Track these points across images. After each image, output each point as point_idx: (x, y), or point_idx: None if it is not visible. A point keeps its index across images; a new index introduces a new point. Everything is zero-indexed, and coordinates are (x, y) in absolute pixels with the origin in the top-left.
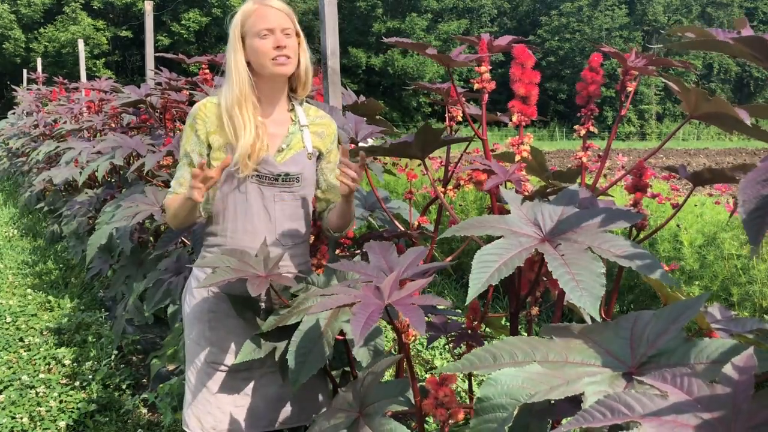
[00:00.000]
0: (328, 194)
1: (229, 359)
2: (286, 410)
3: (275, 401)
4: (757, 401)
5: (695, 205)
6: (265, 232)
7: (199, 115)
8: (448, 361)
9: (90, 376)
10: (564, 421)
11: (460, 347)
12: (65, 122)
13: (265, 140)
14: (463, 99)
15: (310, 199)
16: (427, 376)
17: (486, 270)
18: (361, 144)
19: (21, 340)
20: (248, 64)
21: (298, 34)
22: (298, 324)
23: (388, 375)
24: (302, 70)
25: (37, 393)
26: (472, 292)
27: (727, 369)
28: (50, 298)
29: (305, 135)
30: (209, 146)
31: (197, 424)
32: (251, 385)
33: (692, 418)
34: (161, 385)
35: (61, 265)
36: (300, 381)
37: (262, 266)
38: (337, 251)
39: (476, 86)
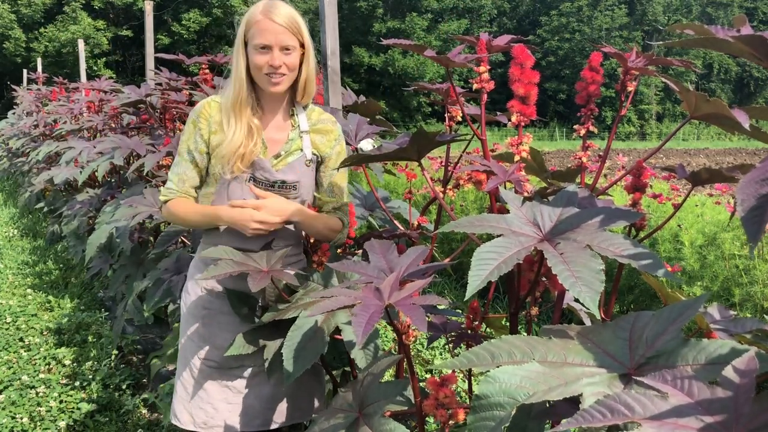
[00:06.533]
0: (326, 197)
1: (221, 356)
2: (281, 409)
3: (270, 400)
4: (758, 403)
5: (696, 206)
6: (258, 237)
7: (202, 113)
8: None
9: (90, 376)
10: (563, 421)
11: (460, 347)
12: (65, 122)
13: (259, 142)
14: (462, 99)
15: (307, 204)
16: (428, 376)
17: (485, 267)
18: (359, 145)
19: (21, 340)
20: (249, 69)
21: (303, 45)
22: (292, 321)
23: (389, 375)
24: (302, 81)
25: (37, 393)
26: (471, 289)
27: (728, 372)
28: (50, 298)
29: (305, 141)
30: (209, 145)
31: (189, 419)
32: (244, 383)
33: (693, 421)
34: (161, 385)
35: (61, 265)
36: (294, 375)
37: (265, 261)
38: (339, 251)
39: (475, 86)
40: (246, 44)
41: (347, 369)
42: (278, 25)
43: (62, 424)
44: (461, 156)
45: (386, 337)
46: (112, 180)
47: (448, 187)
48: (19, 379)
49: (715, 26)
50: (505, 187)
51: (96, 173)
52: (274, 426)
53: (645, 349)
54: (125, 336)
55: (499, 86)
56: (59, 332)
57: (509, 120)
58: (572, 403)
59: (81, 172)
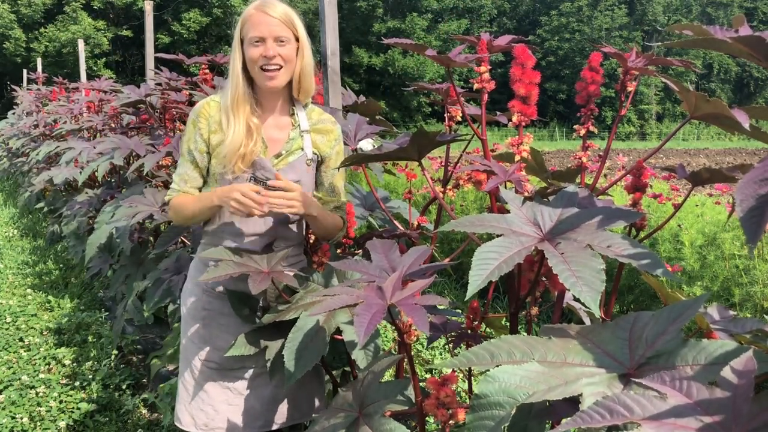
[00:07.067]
0: (327, 197)
1: (222, 357)
2: (282, 410)
3: (271, 401)
4: (757, 403)
5: (696, 205)
6: (259, 235)
7: (202, 113)
8: None
9: (90, 376)
10: (563, 421)
11: (460, 347)
12: (65, 122)
13: (259, 142)
14: (462, 99)
15: None
16: (428, 376)
17: (486, 267)
18: (359, 145)
19: (21, 340)
20: (246, 67)
21: (298, 39)
22: (293, 322)
23: (388, 375)
24: (296, 75)
25: (37, 393)
26: (472, 288)
27: (726, 372)
28: (50, 298)
29: (306, 141)
30: (209, 144)
31: (190, 421)
32: (245, 384)
33: (692, 421)
34: (161, 385)
35: (61, 265)
36: (295, 376)
37: (265, 262)
38: (338, 251)
39: (476, 86)
40: (243, 42)
41: (347, 369)
42: (272, 17)
43: (62, 424)
44: (461, 156)
45: (386, 337)
46: (112, 180)
47: (448, 187)
48: (19, 379)
49: (713, 26)
50: (505, 187)
51: (96, 173)
52: (275, 427)
53: (645, 349)
54: (125, 336)
55: (500, 86)
56: (59, 332)
57: (510, 120)
58: (572, 403)
59: (81, 172)
